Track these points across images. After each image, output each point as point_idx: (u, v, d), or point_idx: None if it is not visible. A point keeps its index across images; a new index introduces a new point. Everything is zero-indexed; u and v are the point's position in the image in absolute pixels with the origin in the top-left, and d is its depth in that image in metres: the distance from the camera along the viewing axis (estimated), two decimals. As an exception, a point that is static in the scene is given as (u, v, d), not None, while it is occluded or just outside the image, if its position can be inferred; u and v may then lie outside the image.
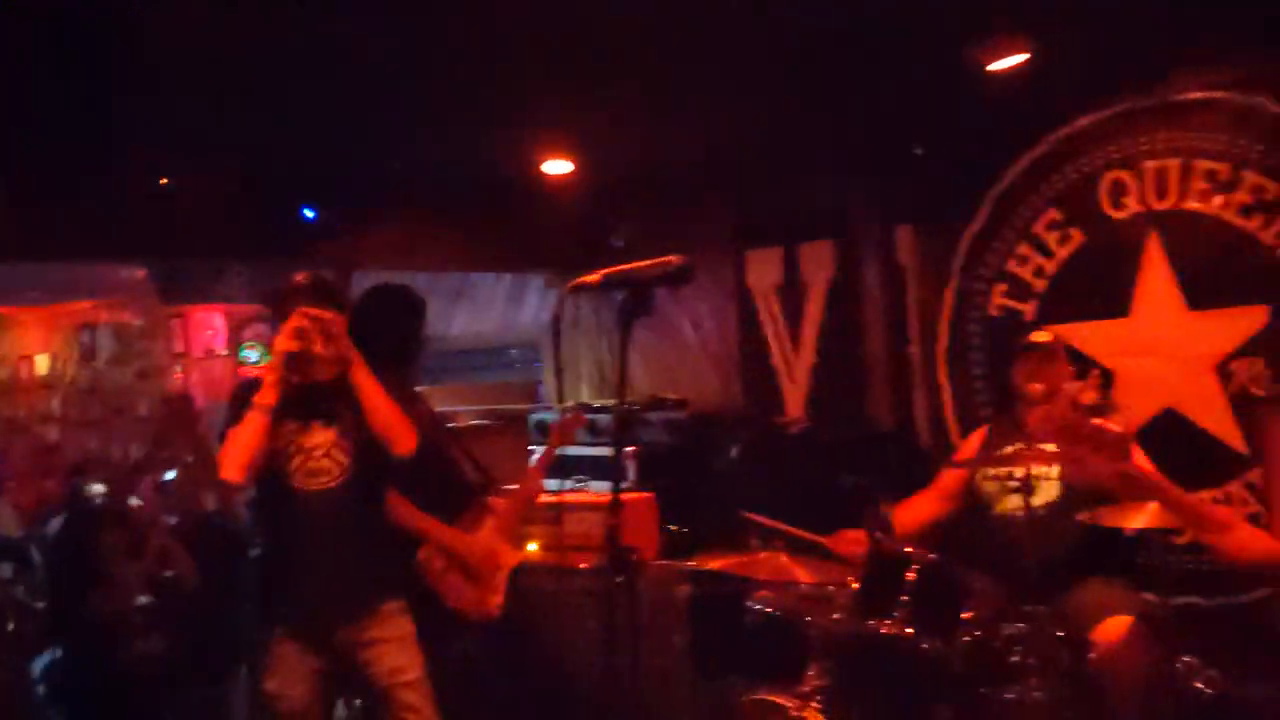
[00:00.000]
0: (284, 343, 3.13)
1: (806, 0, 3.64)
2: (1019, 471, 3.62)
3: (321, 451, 3.31)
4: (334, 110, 4.56)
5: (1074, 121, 4.53)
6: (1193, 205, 4.21)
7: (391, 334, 4.06)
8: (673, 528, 5.09)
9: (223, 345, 9.07)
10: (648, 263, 2.05)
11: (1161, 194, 4.29)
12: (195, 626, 4.83)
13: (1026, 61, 4.10)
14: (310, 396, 3.32)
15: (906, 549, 3.40)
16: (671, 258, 2.05)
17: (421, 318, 4.17)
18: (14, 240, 4.66)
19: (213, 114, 4.43)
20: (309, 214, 5.17)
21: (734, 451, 5.38)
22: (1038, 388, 3.78)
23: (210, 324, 9.16)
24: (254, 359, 8.93)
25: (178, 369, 9.37)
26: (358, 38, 3.75)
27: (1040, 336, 3.89)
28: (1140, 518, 3.14)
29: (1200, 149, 4.20)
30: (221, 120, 4.52)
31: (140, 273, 8.25)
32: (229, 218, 4.94)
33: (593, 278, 2.08)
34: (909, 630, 3.25)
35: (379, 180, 5.29)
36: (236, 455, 3.17)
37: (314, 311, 3.14)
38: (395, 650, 3.37)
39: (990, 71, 4.12)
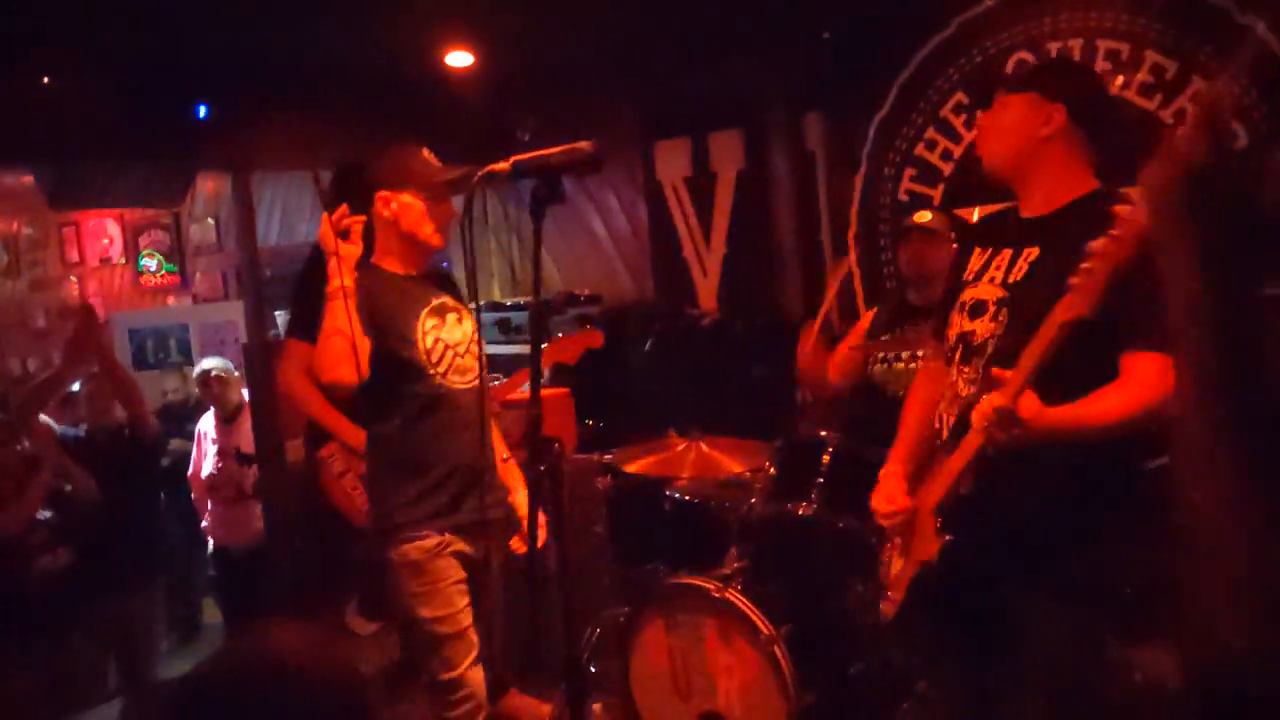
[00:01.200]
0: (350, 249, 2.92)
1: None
2: (905, 354, 3.72)
3: (464, 348, 3.14)
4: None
5: (980, 4, 4.52)
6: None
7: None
8: (589, 422, 5.11)
9: (119, 253, 8.79)
10: (557, 149, 2.02)
11: (1065, 75, 4.31)
12: (105, 540, 4.75)
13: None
14: (432, 288, 3.17)
15: (821, 433, 3.46)
16: (581, 144, 2.02)
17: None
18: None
19: (94, 3, 4.20)
20: (202, 111, 4.95)
21: (647, 345, 5.38)
22: (917, 269, 3.82)
23: (104, 232, 8.86)
24: (152, 268, 8.67)
25: (72, 279, 9.07)
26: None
27: (921, 217, 3.87)
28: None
29: (1102, 29, 4.22)
30: (105, 13, 4.29)
31: (26, 179, 7.90)
32: (116, 118, 4.70)
33: (502, 166, 2.05)
34: (824, 510, 3.33)
35: (274, 75, 5.08)
36: (344, 354, 2.84)
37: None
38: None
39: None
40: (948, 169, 4.70)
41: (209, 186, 8.10)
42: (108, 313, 8.61)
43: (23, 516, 4.52)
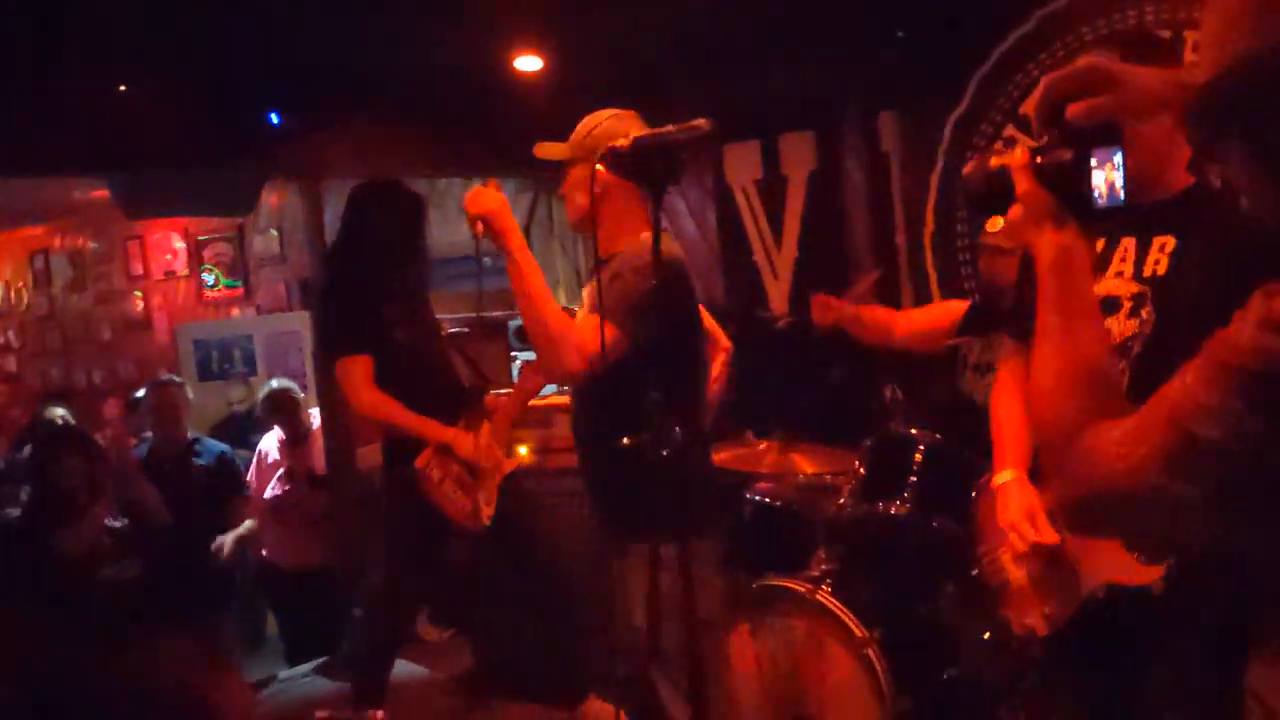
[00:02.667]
0: None
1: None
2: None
3: None
4: (293, 6, 4.37)
5: (1060, -3, 4.44)
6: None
7: (394, 233, 3.95)
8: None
9: (183, 266, 8.86)
10: (676, 127, 1.98)
11: (1151, 68, 4.20)
12: (175, 552, 4.75)
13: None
14: None
15: (911, 430, 3.37)
16: (700, 121, 1.99)
17: (423, 213, 4.07)
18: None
19: (167, 13, 4.23)
20: (274, 118, 4.97)
21: (719, 349, 5.31)
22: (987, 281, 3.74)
23: (169, 245, 8.94)
24: (210, 282, 8.73)
25: (137, 294, 9.16)
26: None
27: (994, 226, 3.70)
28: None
29: (1190, 20, 4.12)
30: (178, 20, 4.32)
31: (94, 193, 7.98)
32: (188, 125, 4.72)
33: (622, 143, 2.02)
34: (916, 510, 3.25)
35: (341, 82, 5.09)
36: None
37: None
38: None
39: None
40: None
41: (273, 199, 8.14)
42: (172, 324, 8.69)
43: (87, 532, 4.52)
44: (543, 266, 6.43)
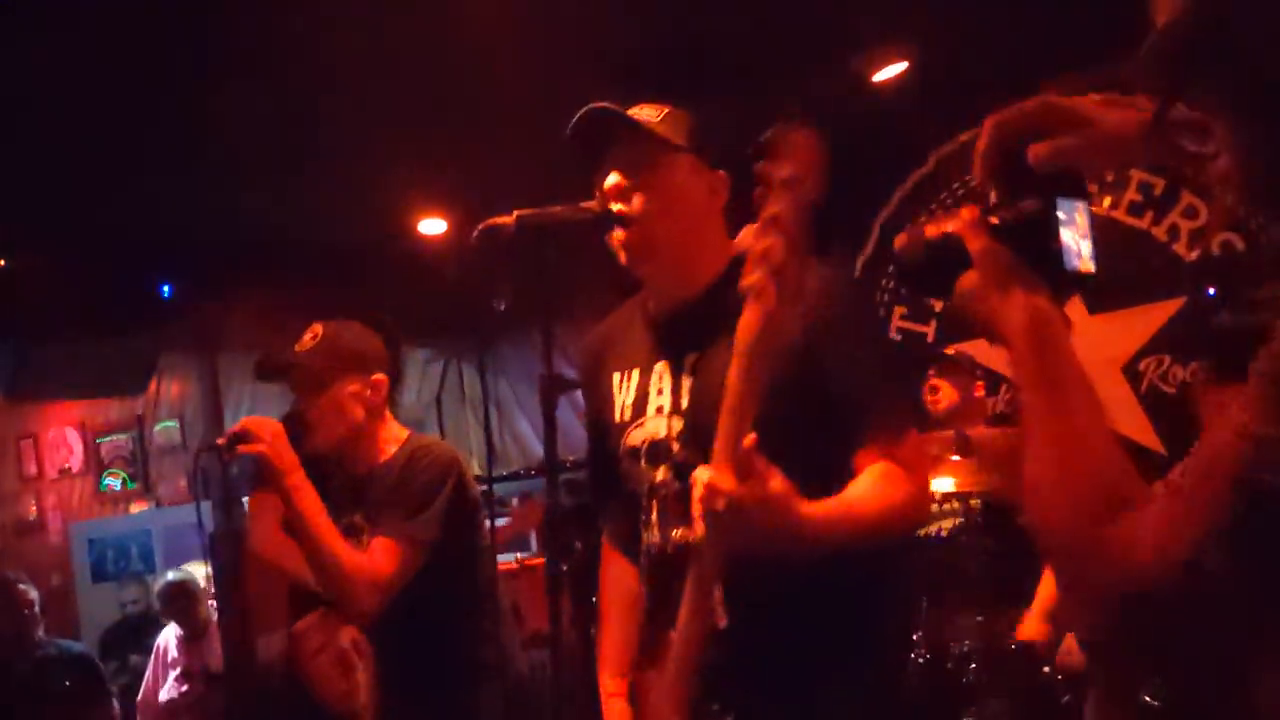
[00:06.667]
0: None
1: (667, 26, 3.53)
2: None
3: None
4: (186, 175, 4.27)
5: (956, 137, 4.51)
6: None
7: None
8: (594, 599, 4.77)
9: (79, 464, 8.46)
10: (563, 207, 1.87)
11: (1050, 201, 4.26)
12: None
13: (907, 74, 4.04)
14: None
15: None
16: (591, 204, 1.87)
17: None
18: None
19: (54, 185, 4.09)
20: (165, 290, 4.79)
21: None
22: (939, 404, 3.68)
23: (64, 442, 8.56)
24: (116, 487, 8.34)
25: (30, 498, 8.72)
26: (207, 99, 3.49)
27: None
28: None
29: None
30: (65, 192, 4.19)
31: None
32: (77, 298, 4.53)
33: (505, 220, 1.88)
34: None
35: (239, 251, 4.96)
36: None
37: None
38: None
39: (874, 84, 4.06)
40: (939, 304, 4.59)
41: (173, 389, 7.88)
42: (66, 524, 8.24)
43: None
44: (455, 436, 6.28)
